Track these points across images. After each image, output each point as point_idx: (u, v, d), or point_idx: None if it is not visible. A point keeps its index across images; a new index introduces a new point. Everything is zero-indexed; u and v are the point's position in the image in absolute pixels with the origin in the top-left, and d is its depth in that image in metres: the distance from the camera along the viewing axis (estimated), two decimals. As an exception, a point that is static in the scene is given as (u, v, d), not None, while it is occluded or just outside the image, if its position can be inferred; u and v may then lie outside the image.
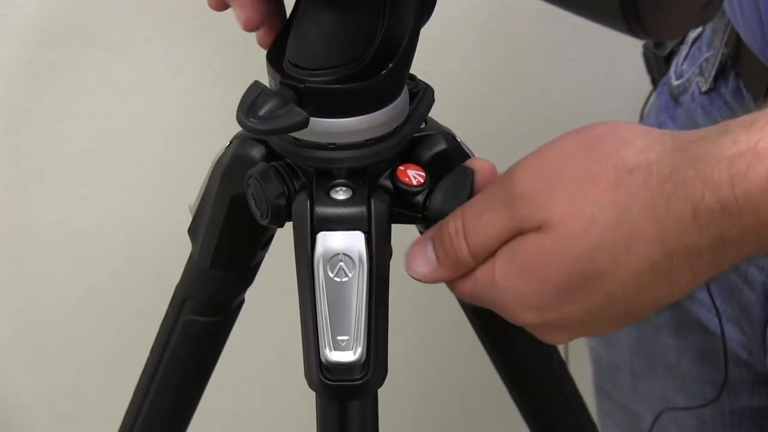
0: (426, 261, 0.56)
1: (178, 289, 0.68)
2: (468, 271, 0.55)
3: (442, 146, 0.60)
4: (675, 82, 0.82)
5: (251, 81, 0.54)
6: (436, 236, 0.56)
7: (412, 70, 0.58)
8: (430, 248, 0.56)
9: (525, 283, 0.52)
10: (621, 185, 0.50)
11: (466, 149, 0.62)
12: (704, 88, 0.78)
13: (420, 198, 0.57)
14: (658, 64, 0.88)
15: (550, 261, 0.51)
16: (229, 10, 0.60)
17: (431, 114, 0.62)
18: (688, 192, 0.48)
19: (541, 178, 0.52)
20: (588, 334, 0.56)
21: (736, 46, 0.75)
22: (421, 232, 0.65)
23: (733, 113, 0.75)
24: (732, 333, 0.80)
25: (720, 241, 0.48)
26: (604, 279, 0.51)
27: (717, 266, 0.50)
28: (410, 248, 0.57)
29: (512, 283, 0.53)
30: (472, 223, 0.54)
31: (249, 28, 0.58)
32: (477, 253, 0.54)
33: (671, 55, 0.86)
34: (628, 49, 1.09)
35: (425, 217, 0.58)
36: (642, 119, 0.94)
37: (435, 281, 0.56)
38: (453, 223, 0.54)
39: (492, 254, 0.54)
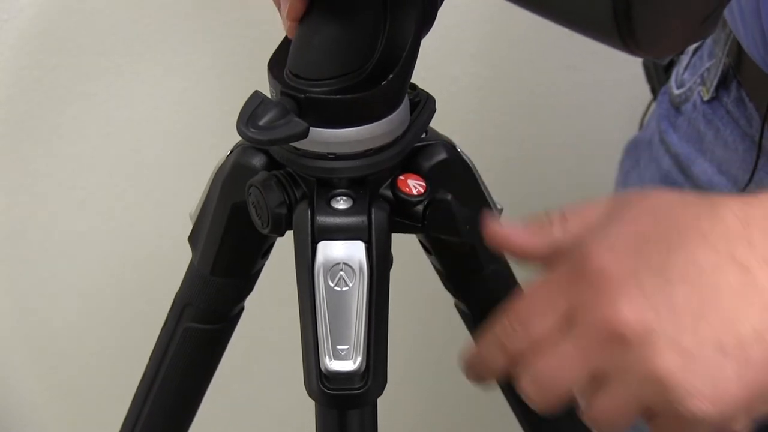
0: (507, 225, 0.56)
1: (178, 296, 0.68)
2: (549, 236, 0.54)
3: (442, 156, 0.60)
4: (676, 91, 0.83)
5: (253, 88, 0.54)
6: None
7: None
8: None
9: (610, 225, 0.51)
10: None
11: (466, 159, 0.63)
12: (706, 98, 0.78)
13: (420, 208, 0.58)
14: (658, 74, 0.88)
15: (636, 208, 0.51)
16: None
17: (433, 123, 0.62)
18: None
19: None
20: (663, 324, 0.49)
21: (738, 56, 0.75)
22: (421, 242, 0.65)
23: (735, 122, 0.75)
24: None
25: None
26: (686, 234, 0.50)
27: None
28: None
29: (596, 229, 0.52)
30: (573, 208, 0.54)
31: (293, 17, 0.56)
32: (571, 222, 0.54)
33: (671, 64, 0.86)
34: (628, 57, 1.09)
35: (425, 227, 0.58)
36: (642, 127, 0.94)
37: (510, 239, 0.55)
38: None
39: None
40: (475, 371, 0.56)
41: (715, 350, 0.48)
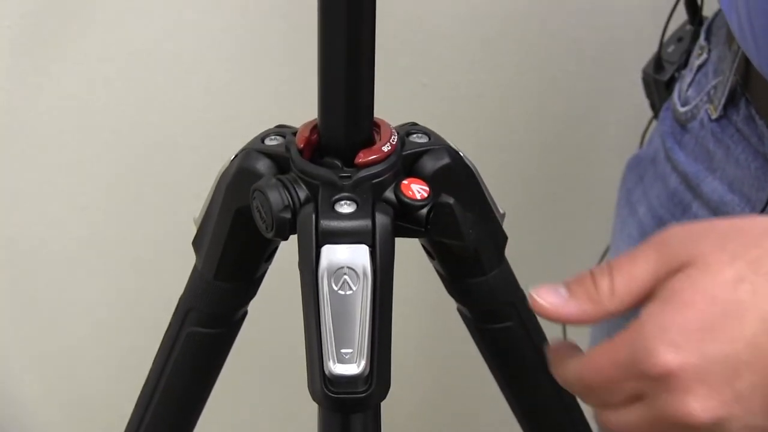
0: (555, 293, 0.54)
1: (182, 300, 0.68)
2: (602, 312, 0.53)
3: (445, 161, 0.61)
4: (681, 109, 0.81)
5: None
6: (572, 279, 0.54)
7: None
8: (561, 287, 0.54)
9: (667, 311, 0.50)
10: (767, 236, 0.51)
11: (469, 164, 0.63)
12: (714, 116, 0.77)
13: (423, 212, 0.58)
14: (658, 90, 0.88)
15: (691, 289, 0.50)
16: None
17: (434, 128, 0.62)
18: None
19: (689, 235, 0.52)
20: (733, 412, 0.51)
21: (746, 73, 0.74)
22: (424, 247, 0.66)
23: (746, 140, 0.75)
24: None
25: None
26: (745, 316, 0.50)
27: None
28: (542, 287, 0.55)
29: (654, 316, 0.51)
30: (619, 263, 0.53)
31: None
32: (619, 290, 0.52)
33: (672, 80, 0.86)
34: (629, 65, 1.10)
35: (428, 231, 0.58)
36: (643, 144, 0.94)
37: (561, 316, 0.54)
38: (597, 267, 0.54)
39: (635, 302, 0.53)
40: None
41: None
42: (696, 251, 0.51)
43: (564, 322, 0.54)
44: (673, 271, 0.52)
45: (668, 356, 0.50)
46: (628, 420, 0.53)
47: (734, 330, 0.50)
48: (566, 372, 0.55)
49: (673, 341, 0.50)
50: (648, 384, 0.51)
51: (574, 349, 0.56)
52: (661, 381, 0.50)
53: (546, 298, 0.54)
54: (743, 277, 0.50)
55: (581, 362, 0.54)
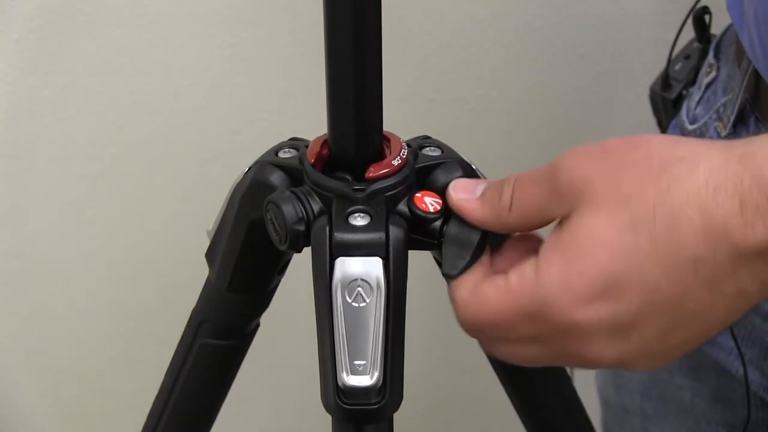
0: (468, 191, 0.56)
1: (195, 312, 0.69)
2: (501, 226, 0.54)
3: (458, 174, 0.61)
4: (689, 127, 0.81)
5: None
6: (492, 182, 0.56)
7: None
8: (480, 186, 0.56)
9: (568, 262, 0.50)
10: (665, 171, 0.48)
11: (481, 177, 0.63)
12: (723, 134, 0.77)
13: (437, 225, 0.58)
14: (666, 107, 0.88)
15: (588, 236, 0.50)
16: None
17: (447, 141, 0.63)
18: (736, 186, 0.47)
19: (583, 163, 0.52)
20: (639, 361, 0.52)
21: (755, 90, 0.74)
22: (436, 259, 0.66)
23: None
24: (753, 375, 0.79)
25: (766, 246, 0.47)
26: (644, 265, 0.49)
27: (761, 281, 0.48)
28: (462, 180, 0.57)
29: (555, 265, 0.50)
30: (521, 181, 0.54)
31: None
32: (515, 209, 0.53)
33: (680, 98, 0.86)
34: (638, 81, 1.10)
35: (441, 244, 0.59)
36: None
37: (465, 214, 0.56)
38: (509, 177, 0.55)
39: (527, 226, 0.54)
40: None
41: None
42: (588, 189, 0.50)
43: (469, 221, 0.56)
44: (567, 208, 0.51)
45: (573, 311, 0.50)
46: (525, 354, 0.54)
47: (636, 283, 0.49)
48: (465, 309, 0.55)
49: (576, 296, 0.50)
50: (550, 330, 0.51)
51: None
52: (565, 331, 0.51)
53: (459, 192, 0.56)
54: (638, 224, 0.49)
55: (478, 302, 0.54)
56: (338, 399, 0.56)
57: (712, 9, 0.86)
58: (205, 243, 0.67)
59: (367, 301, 0.56)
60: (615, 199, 0.49)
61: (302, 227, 0.58)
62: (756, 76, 0.73)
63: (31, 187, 1.16)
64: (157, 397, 0.71)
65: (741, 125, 0.76)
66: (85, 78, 1.10)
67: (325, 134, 0.60)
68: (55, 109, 1.11)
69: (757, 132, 0.75)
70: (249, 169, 0.63)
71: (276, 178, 0.61)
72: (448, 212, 0.58)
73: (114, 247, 1.20)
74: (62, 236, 1.18)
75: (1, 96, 1.09)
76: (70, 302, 1.23)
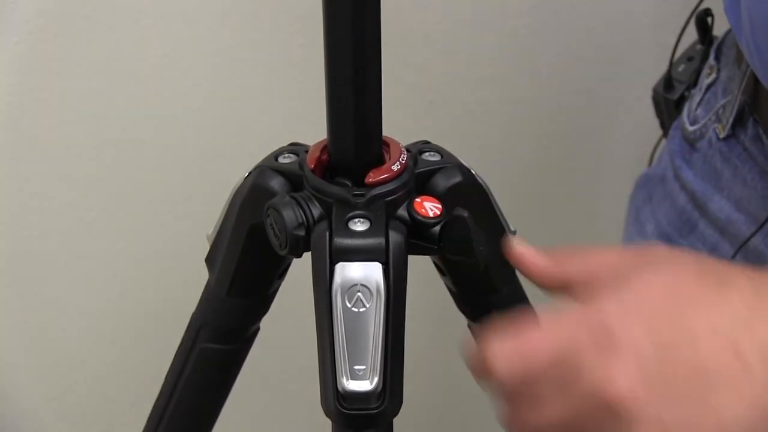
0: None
1: (194, 317, 0.69)
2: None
3: (457, 179, 0.61)
4: (690, 128, 0.82)
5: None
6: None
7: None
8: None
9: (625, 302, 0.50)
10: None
11: (481, 182, 0.63)
12: (722, 135, 0.77)
13: (436, 230, 0.58)
14: (668, 108, 0.88)
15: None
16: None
17: (440, 145, 0.63)
18: None
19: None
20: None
21: (754, 93, 0.74)
22: (435, 264, 0.66)
23: (753, 160, 0.75)
24: None
25: None
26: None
27: None
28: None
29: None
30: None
31: None
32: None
33: (682, 99, 0.86)
34: (641, 84, 1.10)
35: (440, 249, 0.59)
36: (652, 162, 0.94)
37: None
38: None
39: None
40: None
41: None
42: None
43: (527, 266, 0.56)
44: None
45: (616, 320, 0.49)
46: (550, 416, 0.50)
47: (678, 324, 0.49)
48: (509, 352, 0.51)
49: (625, 311, 0.50)
50: (586, 345, 0.49)
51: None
52: (600, 342, 0.49)
53: (516, 245, 0.57)
54: (701, 277, 0.50)
55: (528, 338, 0.51)
56: (338, 404, 0.56)
57: (714, 11, 0.86)
58: (205, 247, 0.67)
59: (367, 306, 0.56)
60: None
61: (302, 232, 0.58)
62: (754, 78, 0.74)
63: (31, 189, 1.16)
64: (157, 401, 0.71)
65: (739, 127, 0.76)
66: (85, 80, 1.10)
67: (324, 139, 0.61)
68: (55, 111, 1.11)
69: (755, 134, 0.75)
70: (249, 174, 0.63)
71: (276, 183, 0.61)
72: (447, 217, 0.58)
73: (114, 251, 1.20)
74: (62, 240, 1.18)
75: (2, 98, 1.09)
76: (69, 307, 1.23)
